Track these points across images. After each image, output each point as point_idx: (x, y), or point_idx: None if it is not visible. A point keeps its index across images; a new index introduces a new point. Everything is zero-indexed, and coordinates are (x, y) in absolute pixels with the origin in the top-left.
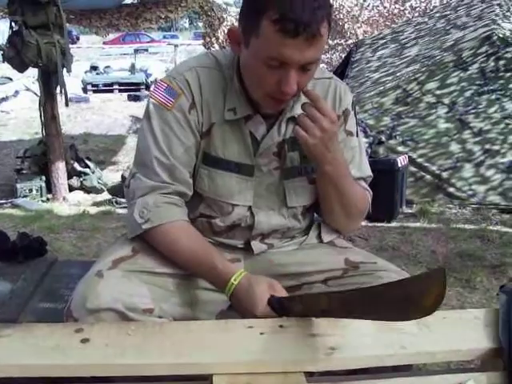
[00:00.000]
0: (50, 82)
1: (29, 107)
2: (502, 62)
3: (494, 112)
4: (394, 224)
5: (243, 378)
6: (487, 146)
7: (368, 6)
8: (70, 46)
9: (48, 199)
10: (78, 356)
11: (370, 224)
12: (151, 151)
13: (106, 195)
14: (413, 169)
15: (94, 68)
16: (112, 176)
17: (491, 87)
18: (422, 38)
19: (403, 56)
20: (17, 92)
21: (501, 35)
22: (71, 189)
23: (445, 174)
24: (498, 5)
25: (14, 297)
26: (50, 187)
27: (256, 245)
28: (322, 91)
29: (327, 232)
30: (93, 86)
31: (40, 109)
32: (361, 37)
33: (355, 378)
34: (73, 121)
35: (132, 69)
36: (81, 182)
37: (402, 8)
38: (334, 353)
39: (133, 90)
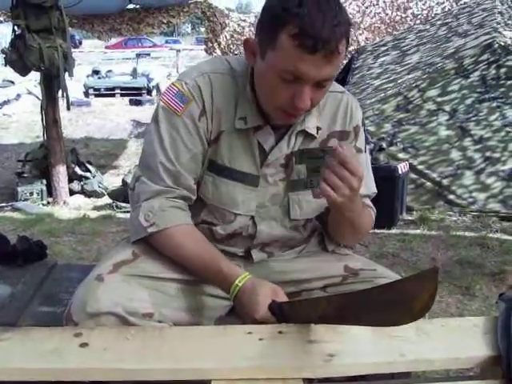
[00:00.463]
0: (51, 85)
1: (30, 111)
2: (503, 70)
3: (495, 120)
4: (394, 231)
5: (242, 383)
6: (488, 154)
7: (370, 12)
8: (73, 50)
9: (48, 203)
10: (76, 360)
11: (370, 231)
12: (157, 156)
13: (106, 199)
14: (413, 176)
15: (95, 72)
16: (113, 180)
17: (492, 95)
18: (423, 45)
19: (404, 63)
20: (19, 95)
21: (502, 43)
22: (72, 193)
23: (445, 181)
24: (500, 13)
25: (14, 300)
26: (50, 191)
27: (256, 253)
28: (334, 105)
29: (330, 241)
30: (94, 90)
31: (41, 112)
32: (362, 43)
33: None
34: (74, 125)
35: (134, 73)
36: (81, 186)
37: (403, 15)
38: (332, 359)
39: (134, 94)
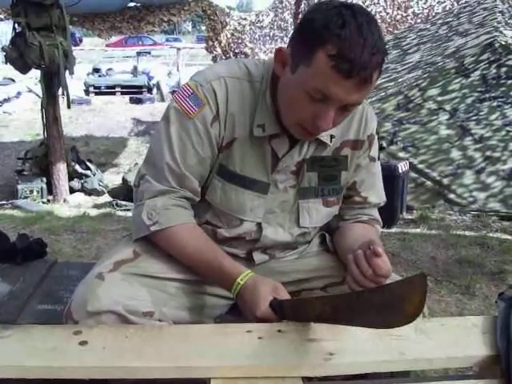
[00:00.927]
0: (52, 83)
1: (31, 108)
2: (503, 70)
3: (495, 119)
4: (394, 230)
5: (241, 382)
6: (488, 153)
7: (371, 11)
8: (73, 48)
9: (49, 201)
10: (76, 358)
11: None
12: (164, 157)
13: (106, 197)
14: (413, 175)
15: (96, 70)
16: (113, 178)
17: (493, 94)
18: (424, 44)
19: (405, 62)
20: (19, 93)
21: (503, 42)
22: (72, 191)
23: (445, 181)
24: (500, 12)
25: (14, 298)
26: (50, 189)
27: (257, 255)
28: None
29: (332, 242)
30: (95, 88)
31: (42, 110)
32: None
33: (353, 383)
34: (74, 123)
35: (134, 71)
36: (81, 183)
37: (404, 14)
38: (332, 358)
39: (135, 92)
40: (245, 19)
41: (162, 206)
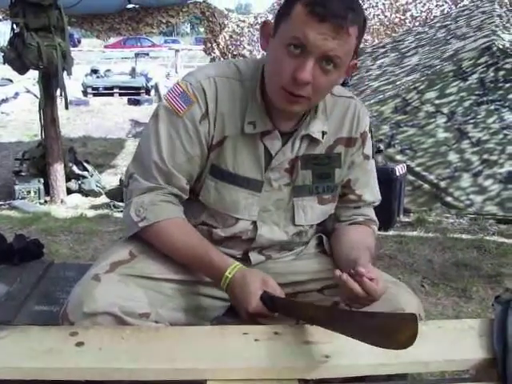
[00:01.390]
0: (50, 84)
1: (28, 109)
2: (501, 73)
3: (493, 122)
4: (391, 233)
5: None
6: (485, 156)
7: (369, 14)
8: (71, 48)
9: (46, 201)
10: (72, 359)
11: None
12: (152, 155)
13: (103, 199)
14: (411, 177)
15: (94, 71)
16: (110, 179)
17: (490, 97)
18: (422, 47)
19: (403, 65)
20: (17, 94)
21: (500, 46)
22: (69, 192)
23: (443, 184)
24: (498, 16)
25: (10, 299)
26: (48, 190)
27: (254, 256)
28: (342, 111)
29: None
30: (93, 89)
31: (40, 111)
32: (361, 45)
33: None
34: (72, 124)
35: (132, 73)
36: (79, 184)
37: (402, 17)
38: (328, 361)
39: (133, 93)
40: (243, 21)
41: (149, 202)
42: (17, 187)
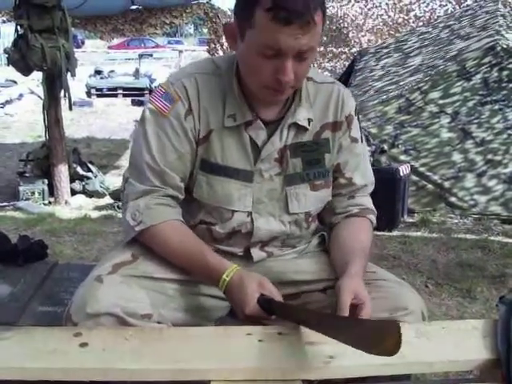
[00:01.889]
0: (54, 85)
1: (32, 110)
2: (505, 73)
3: (497, 122)
4: (395, 233)
5: None
6: (489, 156)
7: (372, 14)
8: (75, 50)
9: (50, 202)
10: (76, 360)
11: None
12: (143, 156)
13: (107, 199)
14: (415, 178)
15: (98, 72)
16: (114, 180)
17: (494, 97)
18: (425, 47)
19: (407, 65)
20: (21, 95)
21: (504, 46)
22: (73, 192)
23: (447, 184)
24: (502, 15)
25: (14, 300)
26: (52, 190)
27: (255, 252)
28: (325, 96)
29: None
30: (97, 90)
31: (44, 112)
32: (365, 45)
33: None
34: (76, 124)
35: (136, 74)
36: (83, 185)
37: (406, 17)
38: (332, 361)
39: (137, 94)
40: None
41: (144, 206)
42: (21, 188)
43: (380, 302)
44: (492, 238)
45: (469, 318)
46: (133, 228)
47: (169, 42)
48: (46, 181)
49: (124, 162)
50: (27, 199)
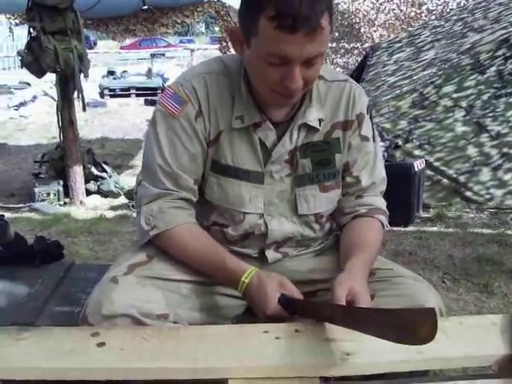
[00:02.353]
0: (67, 87)
1: (46, 112)
2: None
3: None
4: (410, 228)
5: (259, 382)
6: (505, 150)
7: (384, 9)
8: (88, 51)
9: (65, 203)
10: (94, 360)
11: (386, 228)
12: (155, 159)
13: (122, 199)
14: (430, 173)
15: (111, 73)
16: (129, 180)
17: (509, 90)
18: (438, 41)
19: (420, 59)
20: (35, 97)
21: None
22: (88, 193)
23: (462, 178)
24: None
25: (32, 300)
26: (67, 191)
27: (270, 254)
28: (336, 95)
29: None
30: (110, 90)
31: (57, 114)
32: (377, 40)
33: (371, 383)
34: (90, 125)
35: (149, 73)
36: (98, 186)
37: (418, 11)
38: (349, 358)
39: (150, 94)
40: None
41: (158, 210)
42: (36, 189)
43: (397, 300)
44: (509, 232)
45: (486, 313)
46: (147, 232)
47: (180, 41)
48: (61, 182)
49: (138, 161)
50: (42, 200)
